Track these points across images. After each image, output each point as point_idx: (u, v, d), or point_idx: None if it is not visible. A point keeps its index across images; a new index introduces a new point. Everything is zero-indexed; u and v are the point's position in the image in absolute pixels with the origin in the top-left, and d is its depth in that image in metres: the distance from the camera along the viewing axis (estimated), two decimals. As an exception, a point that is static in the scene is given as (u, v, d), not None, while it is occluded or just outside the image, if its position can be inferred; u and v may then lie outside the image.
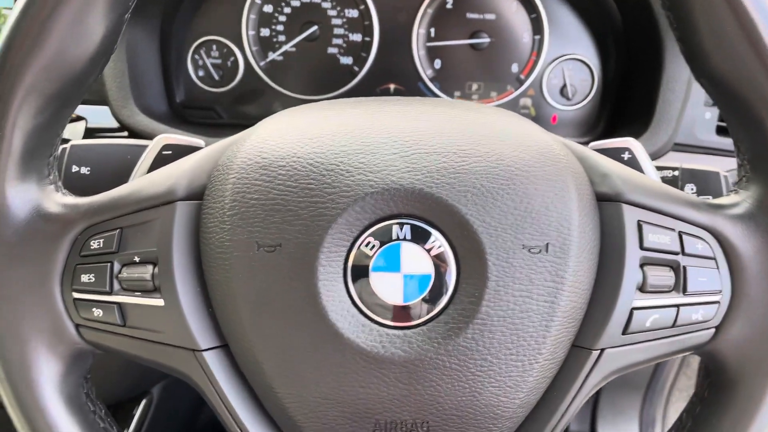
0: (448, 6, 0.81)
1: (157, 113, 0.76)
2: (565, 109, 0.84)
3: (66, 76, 0.40)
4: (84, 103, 0.77)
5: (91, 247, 0.42)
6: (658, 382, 1.40)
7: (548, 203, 0.39)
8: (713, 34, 0.39)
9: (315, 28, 0.81)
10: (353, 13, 0.81)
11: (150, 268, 0.41)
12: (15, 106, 0.39)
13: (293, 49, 0.82)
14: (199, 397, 0.41)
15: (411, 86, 0.83)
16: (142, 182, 0.43)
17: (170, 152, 0.49)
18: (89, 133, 0.74)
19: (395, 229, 0.39)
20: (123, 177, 0.55)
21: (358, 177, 0.39)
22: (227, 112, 0.84)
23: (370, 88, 0.83)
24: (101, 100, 0.72)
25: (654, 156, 0.72)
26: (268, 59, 0.82)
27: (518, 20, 0.81)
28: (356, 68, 0.83)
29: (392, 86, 0.83)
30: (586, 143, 0.84)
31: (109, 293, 0.41)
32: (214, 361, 0.41)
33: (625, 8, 0.76)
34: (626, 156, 0.49)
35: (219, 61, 0.82)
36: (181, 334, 0.41)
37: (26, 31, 0.38)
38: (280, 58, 0.82)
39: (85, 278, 0.42)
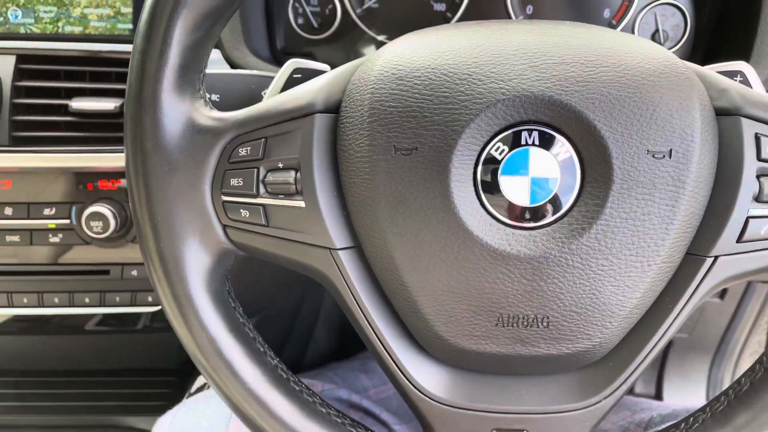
0: (542, -49, 0.82)
1: (263, 57, 0.81)
2: (655, 55, 0.84)
3: None
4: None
5: (240, 155, 0.46)
6: (728, 345, 1.39)
7: (672, 111, 0.41)
8: None
9: (410, -26, 0.83)
10: (448, -41, 0.83)
11: (293, 173, 0.45)
12: (175, 22, 0.43)
13: (389, -4, 0.85)
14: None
15: (502, 32, 0.85)
16: (282, 97, 0.47)
17: (300, 76, 0.53)
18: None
19: (524, 134, 0.42)
20: (249, 103, 0.59)
21: (490, 85, 0.42)
22: (324, 57, 0.88)
23: (462, 34, 0.85)
24: (212, 44, 0.77)
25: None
26: (365, 6, 0.86)
27: (612, -35, 0.82)
28: (449, 14, 0.85)
29: (483, 33, 0.85)
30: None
31: (255, 196, 0.46)
32: (347, 260, 0.45)
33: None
34: (738, 79, 0.50)
35: (318, 9, 0.86)
36: (319, 233, 0.45)
37: None
38: (376, 5, 0.85)
39: (234, 182, 0.46)
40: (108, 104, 0.73)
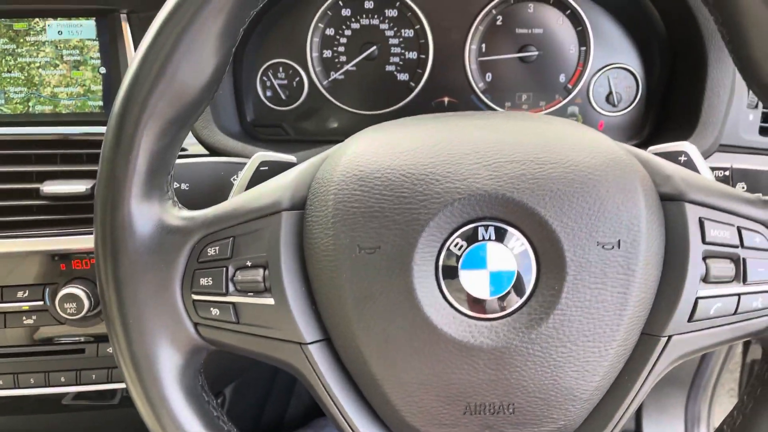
0: (498, 23, 0.86)
1: (232, 132, 0.82)
2: (611, 115, 0.88)
3: (184, 103, 0.46)
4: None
5: (208, 254, 0.47)
6: (702, 378, 1.41)
7: (619, 204, 0.44)
8: (764, 45, 0.43)
9: (374, 48, 0.86)
10: (409, 32, 0.86)
11: (261, 271, 0.46)
12: (141, 131, 0.45)
13: (354, 68, 0.87)
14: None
15: (464, 99, 0.88)
16: (249, 195, 0.49)
17: (266, 168, 0.55)
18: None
19: (481, 230, 0.44)
20: (218, 191, 0.61)
21: (446, 185, 0.44)
22: (293, 128, 0.90)
23: (426, 101, 0.88)
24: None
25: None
26: (331, 78, 0.88)
27: (565, 33, 0.85)
28: (412, 84, 0.88)
29: (446, 99, 0.88)
30: (635, 147, 0.88)
31: (225, 294, 0.47)
32: (318, 353, 0.46)
33: (668, 18, 0.80)
34: (683, 159, 0.53)
35: (285, 82, 0.88)
36: (289, 329, 0.46)
37: (150, 66, 0.44)
38: (342, 76, 0.88)
39: (203, 281, 0.47)
40: (79, 186, 0.74)
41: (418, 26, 0.86)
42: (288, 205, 0.47)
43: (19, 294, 0.76)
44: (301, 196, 0.47)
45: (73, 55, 0.86)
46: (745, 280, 0.45)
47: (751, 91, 0.77)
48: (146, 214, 0.47)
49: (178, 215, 0.48)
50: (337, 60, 0.88)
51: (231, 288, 0.47)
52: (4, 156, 0.77)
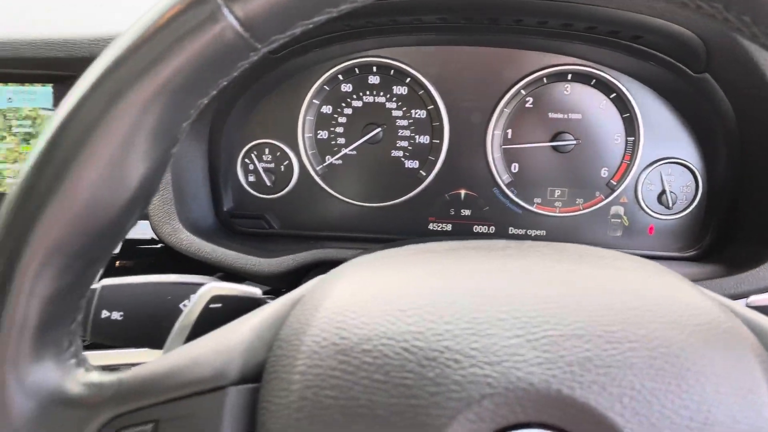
0: (528, 105, 0.72)
1: (202, 225, 0.68)
2: (664, 219, 0.73)
3: (94, 229, 0.31)
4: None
5: None
6: None
7: (735, 412, 0.28)
8: None
9: (378, 130, 0.73)
10: (421, 113, 0.73)
11: None
12: (27, 269, 0.30)
13: (353, 152, 0.74)
14: None
15: (485, 192, 0.74)
16: (184, 358, 0.34)
17: (219, 305, 0.40)
18: (126, 247, 0.66)
19: None
20: (162, 322, 0.46)
21: (470, 370, 0.29)
22: (279, 220, 0.75)
23: (438, 194, 0.74)
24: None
25: (786, 283, 0.60)
26: (326, 163, 0.74)
27: (608, 120, 0.71)
28: (423, 173, 0.74)
29: (463, 192, 0.74)
30: (690, 259, 0.73)
31: None
32: None
33: (740, 105, 0.65)
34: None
35: (272, 165, 0.74)
36: None
37: (41, 177, 0.30)
38: (339, 161, 0.74)
39: None
40: None
41: (431, 106, 0.73)
42: (236, 376, 0.32)
43: None
44: (257, 362, 0.33)
45: (23, 127, 0.73)
46: None
47: None
48: (34, 381, 0.33)
49: (82, 380, 0.34)
50: (333, 142, 0.74)
51: None
52: None
